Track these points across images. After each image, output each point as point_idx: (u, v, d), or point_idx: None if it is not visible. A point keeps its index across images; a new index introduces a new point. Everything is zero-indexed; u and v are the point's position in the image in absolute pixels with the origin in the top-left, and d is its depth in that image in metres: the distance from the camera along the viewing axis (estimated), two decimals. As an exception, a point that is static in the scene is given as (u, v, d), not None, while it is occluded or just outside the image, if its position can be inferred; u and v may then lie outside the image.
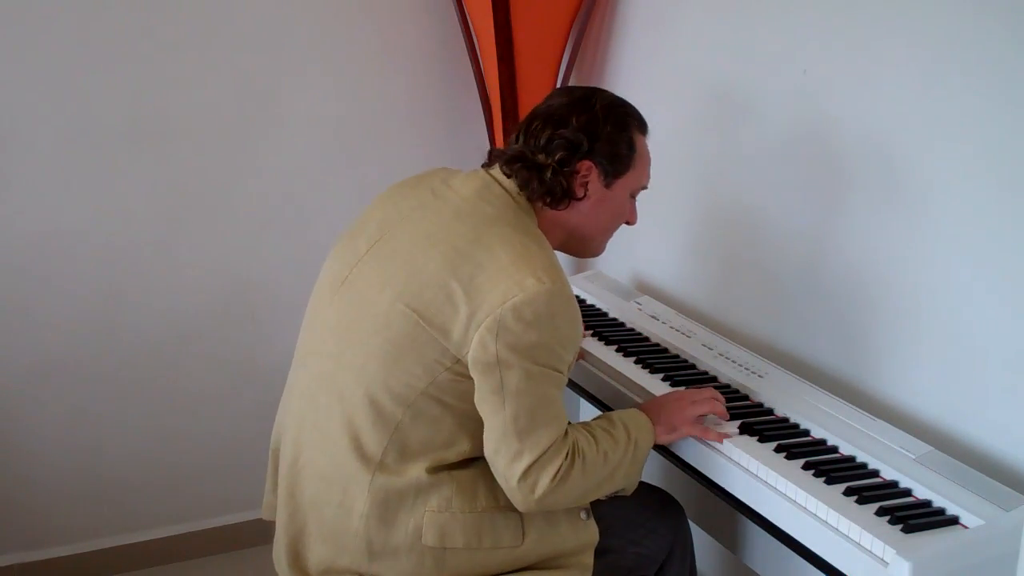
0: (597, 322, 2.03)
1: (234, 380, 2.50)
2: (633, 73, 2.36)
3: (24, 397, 2.32)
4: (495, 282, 1.38)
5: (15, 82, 2.16)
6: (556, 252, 1.54)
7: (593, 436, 1.48)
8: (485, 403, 1.41)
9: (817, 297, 1.85)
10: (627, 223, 1.65)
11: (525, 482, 1.40)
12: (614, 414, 1.56)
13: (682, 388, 1.71)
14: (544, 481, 1.40)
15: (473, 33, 2.41)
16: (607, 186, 1.54)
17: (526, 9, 2.27)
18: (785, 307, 1.94)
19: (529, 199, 1.52)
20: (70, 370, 2.34)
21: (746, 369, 1.78)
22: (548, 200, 1.51)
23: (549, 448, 1.40)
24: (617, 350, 1.88)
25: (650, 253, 2.36)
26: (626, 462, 1.50)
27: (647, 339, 1.95)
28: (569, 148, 1.50)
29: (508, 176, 1.52)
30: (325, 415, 1.49)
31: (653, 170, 1.63)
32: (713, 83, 2.09)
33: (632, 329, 2.01)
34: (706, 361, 1.82)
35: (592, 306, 2.16)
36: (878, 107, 1.68)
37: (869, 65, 1.69)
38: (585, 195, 1.53)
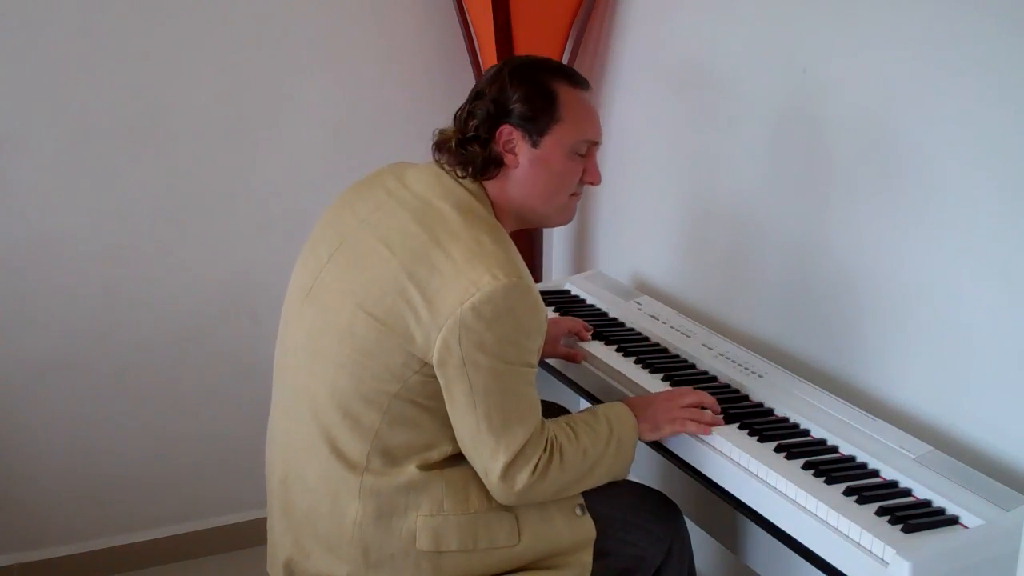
0: (597, 322, 2.03)
1: (234, 380, 2.49)
2: (633, 73, 2.36)
3: (24, 397, 2.32)
4: (451, 284, 1.37)
5: (15, 82, 2.16)
6: (533, 229, 1.50)
7: (574, 432, 1.48)
8: (456, 404, 1.40)
9: (817, 296, 1.84)
10: (589, 183, 1.58)
11: (505, 480, 1.41)
12: (599, 408, 1.56)
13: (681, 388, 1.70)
14: (523, 477, 1.41)
15: (473, 33, 2.41)
16: (535, 145, 1.50)
17: (526, 9, 2.27)
18: (785, 307, 1.94)
19: (475, 182, 1.51)
20: (70, 370, 2.34)
21: (746, 369, 1.78)
22: (473, 171, 1.50)
23: (526, 444, 1.41)
24: (617, 350, 1.88)
25: (650, 253, 2.35)
26: (607, 457, 1.50)
27: (647, 339, 1.95)
28: (484, 117, 1.49)
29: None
30: (305, 429, 1.49)
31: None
32: (713, 83, 2.08)
33: (632, 329, 2.00)
34: (706, 361, 1.82)
35: (592, 306, 2.16)
36: (878, 107, 1.67)
37: (869, 65, 1.69)
38: (516, 161, 1.51)
